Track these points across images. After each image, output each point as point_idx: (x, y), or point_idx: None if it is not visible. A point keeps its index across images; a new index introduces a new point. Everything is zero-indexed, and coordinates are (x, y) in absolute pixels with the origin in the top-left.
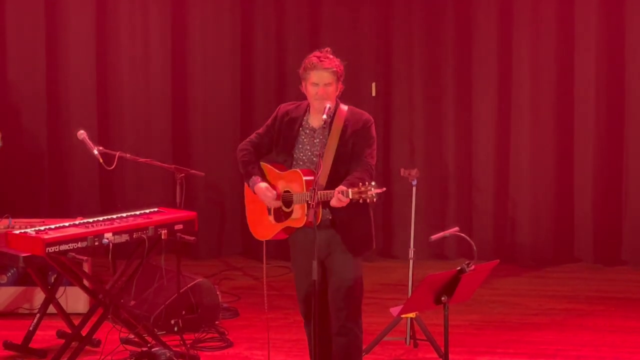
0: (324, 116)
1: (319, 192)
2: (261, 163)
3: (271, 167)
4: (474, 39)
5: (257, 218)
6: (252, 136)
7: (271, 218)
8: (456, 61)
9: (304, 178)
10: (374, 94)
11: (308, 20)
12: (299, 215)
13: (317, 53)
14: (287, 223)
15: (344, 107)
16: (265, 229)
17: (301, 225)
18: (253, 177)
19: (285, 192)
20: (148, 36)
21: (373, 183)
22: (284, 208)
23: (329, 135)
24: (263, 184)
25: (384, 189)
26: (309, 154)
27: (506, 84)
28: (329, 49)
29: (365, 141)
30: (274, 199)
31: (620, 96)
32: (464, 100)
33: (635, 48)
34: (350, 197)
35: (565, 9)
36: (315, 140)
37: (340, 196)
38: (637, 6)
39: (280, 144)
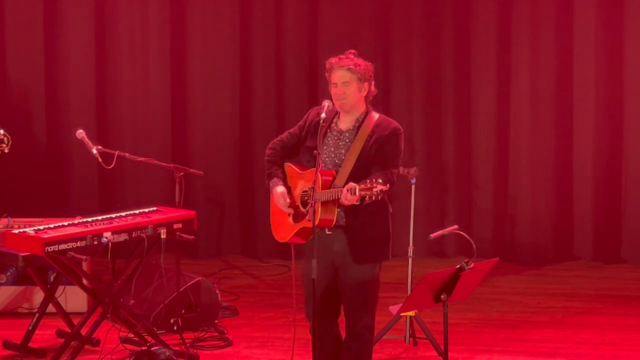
0: (323, 114)
1: (330, 190)
2: (286, 163)
3: (294, 167)
4: (473, 37)
5: (279, 219)
6: (284, 135)
7: (290, 219)
8: (455, 59)
9: (322, 178)
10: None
11: (307, 17)
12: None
13: (341, 55)
14: (303, 224)
15: (375, 115)
16: (284, 229)
17: (312, 225)
18: (274, 178)
19: (304, 192)
20: (147, 35)
21: (380, 180)
22: (301, 208)
23: (355, 139)
24: (280, 188)
25: (387, 185)
26: (332, 155)
27: (505, 82)
28: (353, 51)
29: (390, 149)
30: (287, 206)
31: (619, 94)
32: (463, 98)
33: (634, 44)
34: (358, 193)
35: (565, 6)
36: (340, 143)
37: (348, 194)
38: (636, 5)
39: (308, 144)
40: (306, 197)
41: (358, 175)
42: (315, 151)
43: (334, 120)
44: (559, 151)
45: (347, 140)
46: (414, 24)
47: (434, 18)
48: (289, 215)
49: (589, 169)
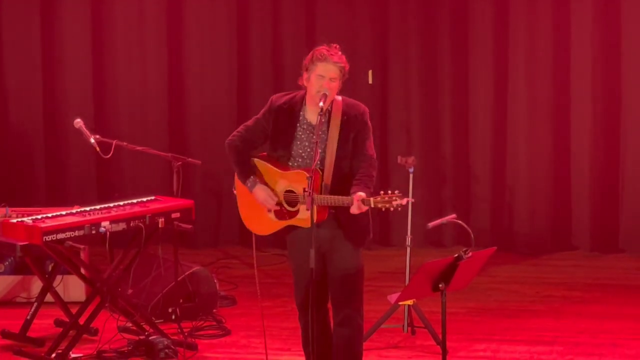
0: (321, 103)
1: (336, 197)
2: (255, 160)
3: (266, 164)
4: (470, 27)
5: (254, 213)
6: (241, 129)
7: (272, 215)
8: (453, 49)
9: (310, 179)
10: (370, 81)
11: (305, 7)
12: (306, 215)
13: (325, 47)
14: (292, 222)
15: (338, 98)
16: (264, 225)
17: (308, 225)
18: (252, 177)
19: (289, 191)
20: (144, 24)
21: (397, 192)
22: (288, 207)
23: (327, 131)
24: (263, 188)
25: (412, 199)
26: (309, 150)
27: (503, 72)
28: (337, 46)
29: (364, 133)
30: (274, 205)
31: (616, 83)
32: (461, 88)
33: (631, 33)
34: (372, 206)
35: None
36: (314, 137)
37: (362, 205)
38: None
39: (277, 138)
40: (293, 198)
41: (341, 169)
42: (312, 140)
43: (301, 112)
44: (556, 141)
45: (320, 133)
46: (412, 14)
47: (432, 8)
48: (268, 211)
49: (586, 159)
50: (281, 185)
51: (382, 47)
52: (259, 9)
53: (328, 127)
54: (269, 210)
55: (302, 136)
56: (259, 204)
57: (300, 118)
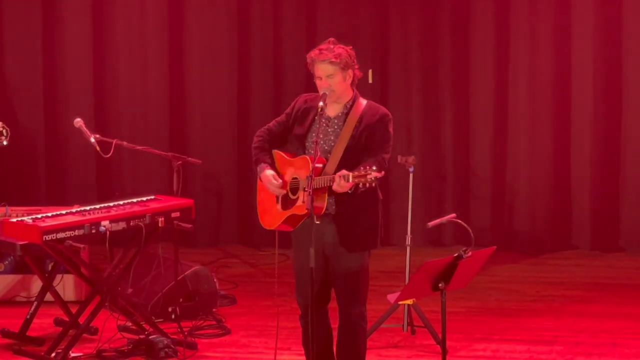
0: (321, 103)
1: (321, 177)
2: (273, 150)
3: (282, 154)
4: (471, 26)
5: (267, 207)
6: (271, 123)
7: (279, 206)
8: (453, 48)
9: (312, 164)
10: (370, 80)
11: (305, 7)
12: (302, 202)
13: (320, 46)
14: (292, 210)
15: (363, 101)
16: (272, 217)
17: (304, 212)
18: (261, 163)
19: (294, 179)
20: (145, 24)
21: (374, 167)
22: (290, 195)
23: (343, 125)
24: (269, 172)
25: (382, 172)
26: (322, 142)
27: (504, 72)
28: (332, 39)
29: (380, 135)
30: (279, 187)
31: (617, 83)
32: (462, 87)
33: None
34: (351, 180)
35: None
36: (329, 130)
37: (342, 181)
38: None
39: (295, 130)
40: (296, 185)
41: (348, 162)
42: (312, 138)
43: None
44: (557, 140)
45: (335, 127)
46: (412, 14)
47: (433, 6)
48: (277, 202)
49: (587, 157)
50: (289, 174)
51: (382, 47)
52: (260, 9)
53: (345, 121)
54: (277, 201)
55: (319, 129)
56: (270, 197)
57: (320, 112)
